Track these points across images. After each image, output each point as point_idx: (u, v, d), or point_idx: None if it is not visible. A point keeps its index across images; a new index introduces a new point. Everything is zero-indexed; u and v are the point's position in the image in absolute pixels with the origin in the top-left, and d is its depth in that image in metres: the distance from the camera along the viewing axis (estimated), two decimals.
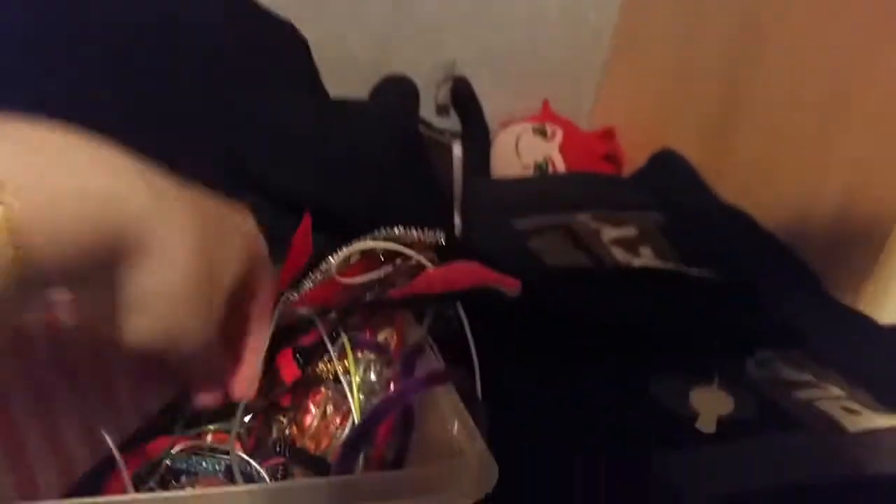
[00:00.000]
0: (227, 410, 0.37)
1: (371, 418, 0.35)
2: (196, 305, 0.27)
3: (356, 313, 0.42)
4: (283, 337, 0.40)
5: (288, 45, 0.67)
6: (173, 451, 0.35)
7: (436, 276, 0.40)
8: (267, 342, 0.36)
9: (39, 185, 0.22)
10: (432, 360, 0.38)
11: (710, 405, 0.50)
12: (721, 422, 0.49)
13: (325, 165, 0.56)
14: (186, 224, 0.26)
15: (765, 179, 0.81)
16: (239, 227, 0.32)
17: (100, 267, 0.24)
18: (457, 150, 0.85)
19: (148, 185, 0.26)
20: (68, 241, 0.23)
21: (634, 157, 1.01)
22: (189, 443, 0.36)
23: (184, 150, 0.60)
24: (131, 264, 0.25)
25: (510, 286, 0.41)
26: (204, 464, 0.35)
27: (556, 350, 0.55)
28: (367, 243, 0.40)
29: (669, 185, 0.88)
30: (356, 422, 0.38)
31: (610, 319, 0.58)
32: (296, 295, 0.43)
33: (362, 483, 0.29)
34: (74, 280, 0.25)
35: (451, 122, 1.09)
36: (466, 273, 0.40)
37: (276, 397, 0.39)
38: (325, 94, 0.70)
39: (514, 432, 0.48)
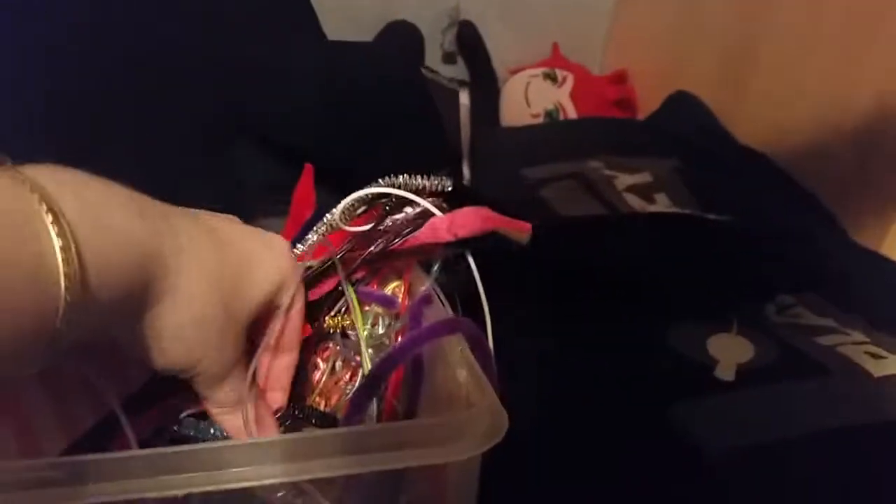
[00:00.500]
0: None
1: (380, 369, 0.34)
2: (214, 331, 0.29)
3: (362, 266, 0.40)
4: None
5: None
6: (181, 417, 0.35)
7: (442, 223, 0.38)
8: (295, 365, 0.36)
9: (95, 227, 0.23)
10: (440, 310, 0.37)
11: (730, 352, 0.49)
12: (741, 369, 0.47)
13: (325, 112, 0.54)
14: (204, 258, 0.28)
15: (785, 120, 0.78)
16: (270, 249, 0.33)
17: (130, 306, 0.26)
18: (464, 97, 0.83)
19: (169, 227, 0.27)
20: (114, 284, 0.24)
21: (648, 101, 0.98)
22: (197, 408, 0.35)
23: (182, 102, 0.59)
24: (156, 301, 0.27)
25: (521, 229, 0.39)
26: (213, 430, 0.35)
27: (569, 299, 0.53)
28: (370, 189, 0.39)
29: (685, 129, 0.85)
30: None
31: (623, 267, 0.57)
32: (301, 248, 0.41)
33: (372, 434, 0.28)
34: (108, 322, 0.26)
35: (458, 71, 1.06)
36: (475, 219, 0.38)
37: None
38: (323, 36, 0.67)
39: (526, 383, 0.47)
